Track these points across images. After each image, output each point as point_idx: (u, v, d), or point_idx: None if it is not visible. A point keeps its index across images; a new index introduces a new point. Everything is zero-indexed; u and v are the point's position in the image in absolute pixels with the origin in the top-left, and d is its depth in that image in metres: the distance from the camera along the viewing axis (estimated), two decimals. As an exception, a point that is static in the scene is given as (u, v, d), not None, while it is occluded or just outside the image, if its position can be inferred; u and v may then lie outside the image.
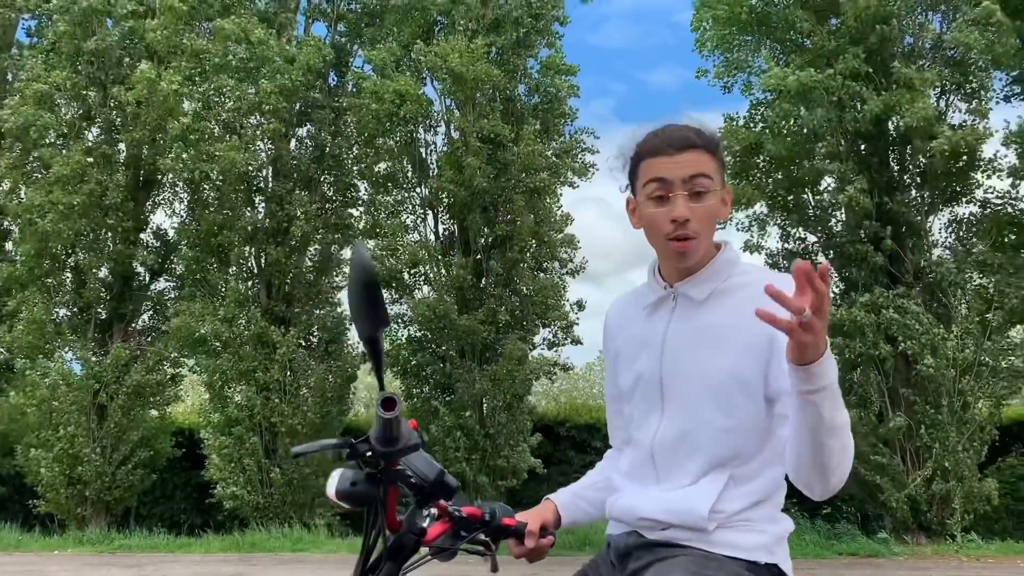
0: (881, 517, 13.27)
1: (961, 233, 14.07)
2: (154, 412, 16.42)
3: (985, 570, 9.79)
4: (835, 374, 1.42)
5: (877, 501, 12.66)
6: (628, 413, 1.77)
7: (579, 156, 15.50)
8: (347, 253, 16.13)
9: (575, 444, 17.22)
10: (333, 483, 1.42)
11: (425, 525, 1.50)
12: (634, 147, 1.73)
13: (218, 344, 14.33)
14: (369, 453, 1.40)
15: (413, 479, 1.43)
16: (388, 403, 1.33)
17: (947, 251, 13.90)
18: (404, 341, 14.90)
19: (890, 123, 13.47)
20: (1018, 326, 13.65)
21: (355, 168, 15.94)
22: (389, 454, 1.39)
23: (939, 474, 11.98)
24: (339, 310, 15.88)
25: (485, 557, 1.60)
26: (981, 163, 13.63)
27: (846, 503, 14.60)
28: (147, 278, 16.93)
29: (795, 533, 9.77)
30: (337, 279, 16.16)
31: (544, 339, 15.07)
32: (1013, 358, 12.82)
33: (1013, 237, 13.76)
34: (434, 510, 1.53)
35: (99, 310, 16.17)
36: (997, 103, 14.93)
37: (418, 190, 15.44)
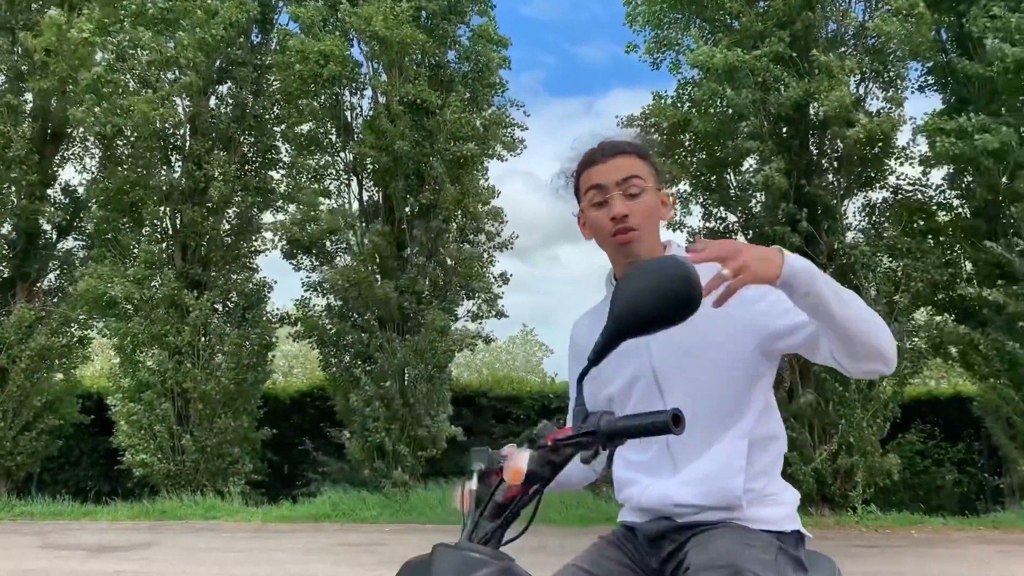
0: (788, 490, 13.70)
1: (874, 217, 14.55)
2: (60, 376, 15.87)
3: (882, 539, 10.26)
4: (809, 266, 1.51)
5: (785, 474, 13.06)
6: (619, 392, 1.84)
7: (508, 131, 15.37)
8: (267, 217, 15.78)
9: (496, 414, 17.36)
10: (523, 462, 1.37)
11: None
12: (573, 166, 1.90)
13: (129, 307, 13.87)
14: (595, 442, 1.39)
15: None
16: (678, 420, 1.34)
17: (859, 235, 14.36)
18: (323, 310, 14.68)
19: (811, 108, 13.78)
20: (922, 308, 14.24)
21: (277, 129, 15.52)
22: (610, 448, 1.40)
23: (844, 449, 12.44)
24: (258, 276, 15.55)
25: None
26: (895, 151, 14.09)
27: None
28: (54, 236, 16.27)
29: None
30: (256, 243, 15.78)
31: (468, 311, 15.04)
32: (916, 339, 13.37)
33: (921, 223, 14.30)
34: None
35: (1, 268, 15.49)
36: (912, 93, 15.48)
37: (342, 155, 15.14)
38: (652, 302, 1.36)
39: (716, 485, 1.72)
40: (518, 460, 1.38)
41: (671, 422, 1.33)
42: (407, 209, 14.57)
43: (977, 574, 7.50)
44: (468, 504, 1.46)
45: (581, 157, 1.89)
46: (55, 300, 15.82)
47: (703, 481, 1.73)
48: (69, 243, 16.52)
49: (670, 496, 1.75)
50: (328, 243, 14.55)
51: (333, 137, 15.09)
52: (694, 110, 14.37)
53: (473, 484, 1.48)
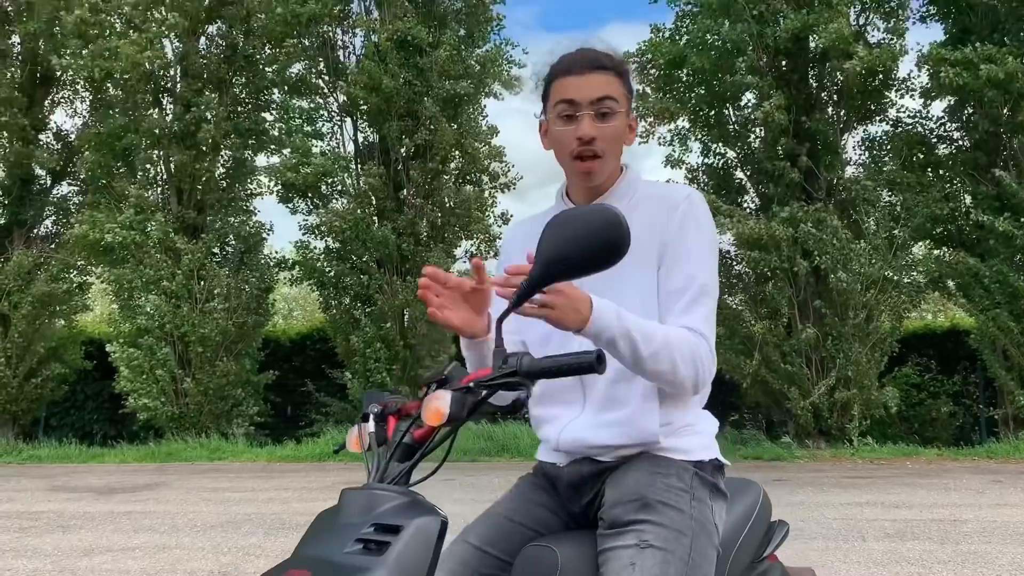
0: (785, 423, 13.87)
1: (873, 151, 14.43)
2: (61, 322, 15.93)
3: (876, 471, 10.41)
4: (611, 327, 1.52)
5: (783, 408, 13.21)
6: (542, 334, 1.76)
7: (505, 69, 15.15)
8: (261, 160, 15.64)
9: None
10: (445, 404, 1.36)
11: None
12: (547, 68, 1.79)
13: (124, 252, 13.84)
14: (520, 383, 1.38)
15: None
16: (601, 360, 1.34)
17: (859, 169, 14.26)
18: (322, 252, 14.65)
19: (810, 40, 13.55)
20: (920, 243, 14.22)
21: (269, 70, 15.29)
22: (528, 386, 1.39)
23: (841, 383, 12.54)
24: (255, 218, 15.49)
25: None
26: (895, 83, 13.90)
27: (751, 411, 15.24)
28: (48, 181, 16.17)
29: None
30: (252, 186, 15.68)
31: (467, 251, 15.02)
32: (915, 274, 13.38)
33: (921, 156, 14.18)
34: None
35: (-4, 214, 15.45)
36: (913, 23, 15.18)
37: (335, 96, 14.95)
38: (582, 248, 1.36)
39: (632, 425, 1.69)
40: (439, 401, 1.37)
41: (595, 362, 1.33)
42: (402, 150, 14.44)
43: (971, 503, 7.63)
44: (366, 445, 1.45)
45: (557, 60, 1.78)
46: (52, 246, 15.79)
47: (620, 423, 1.70)
48: (64, 189, 16.45)
49: (586, 439, 1.72)
50: (323, 186, 14.45)
51: (325, 79, 14.88)
52: (691, 45, 14.12)
53: (370, 426, 1.47)
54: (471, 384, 1.40)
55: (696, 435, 1.74)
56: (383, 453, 1.42)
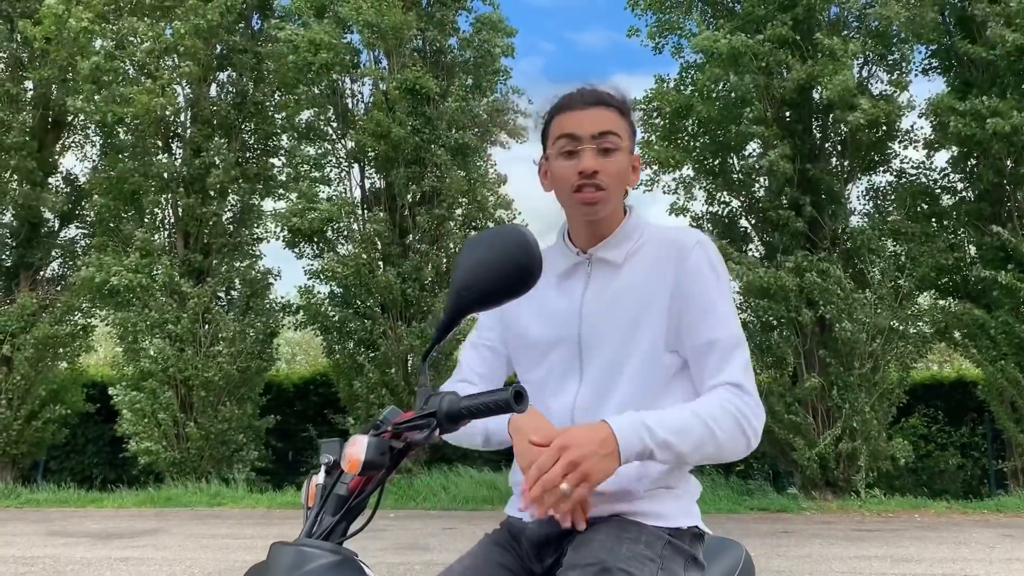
0: (791, 474, 13.72)
1: (878, 201, 14.50)
2: (64, 365, 15.92)
3: (884, 523, 10.27)
4: (640, 434, 1.46)
5: (788, 459, 13.08)
6: (538, 379, 1.72)
7: (512, 118, 15.36)
8: (268, 205, 15.76)
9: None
10: (360, 450, 1.31)
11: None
12: (549, 110, 1.75)
13: (130, 295, 13.89)
14: (436, 426, 1.34)
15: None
16: (521, 399, 1.29)
17: (864, 218, 14.31)
18: (326, 297, 14.69)
19: (814, 92, 13.70)
20: (926, 293, 14.20)
21: (278, 117, 15.48)
22: (448, 431, 1.36)
23: (847, 433, 12.43)
24: (260, 263, 15.56)
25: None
26: (899, 133, 14.03)
27: (759, 460, 15.08)
28: (56, 224, 16.28)
29: (710, 489, 9.97)
30: (258, 231, 15.78)
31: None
32: (921, 324, 13.34)
33: (925, 206, 14.24)
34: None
35: (3, 257, 15.50)
36: (916, 76, 15.37)
37: (342, 142, 15.13)
38: (492, 274, 1.32)
39: (606, 486, 1.56)
40: (354, 449, 1.32)
41: (512, 400, 1.27)
42: (408, 196, 14.54)
43: (981, 558, 7.51)
44: (316, 498, 1.37)
45: (559, 98, 1.73)
46: (58, 288, 15.85)
47: None
48: (71, 231, 16.55)
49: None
50: (329, 231, 14.54)
51: (333, 125, 15.07)
52: (697, 95, 14.29)
53: (320, 477, 1.38)
54: (391, 428, 1.34)
55: (674, 499, 1.64)
56: (318, 506, 1.35)
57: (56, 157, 16.13)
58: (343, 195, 14.93)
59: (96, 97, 13.57)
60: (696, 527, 1.66)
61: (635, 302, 1.64)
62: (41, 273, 16.04)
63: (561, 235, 1.79)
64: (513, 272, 1.31)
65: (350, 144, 14.91)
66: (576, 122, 1.67)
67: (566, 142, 1.67)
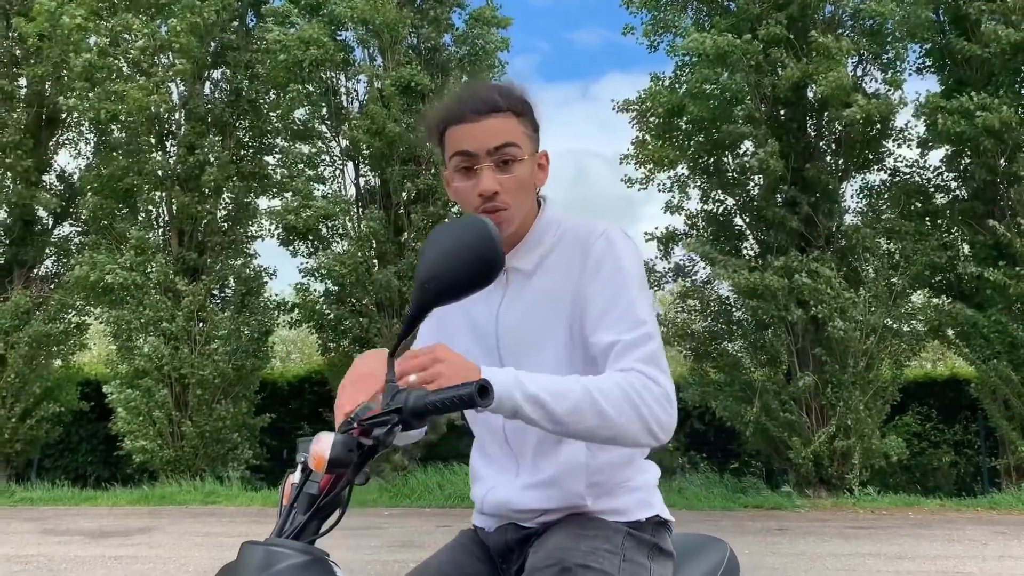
0: (785, 472, 13.75)
1: (872, 200, 14.52)
2: (58, 363, 15.88)
3: (878, 521, 10.28)
4: (511, 392, 1.37)
5: (783, 456, 13.11)
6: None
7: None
8: (263, 203, 15.74)
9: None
10: (326, 448, 1.29)
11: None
12: (437, 118, 1.63)
13: (124, 293, 13.85)
14: (399, 423, 1.32)
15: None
16: (486, 392, 1.27)
17: (858, 217, 14.32)
18: (322, 295, 14.66)
19: (808, 90, 13.71)
20: (919, 291, 14.23)
21: (273, 114, 15.45)
22: (416, 426, 1.34)
23: (841, 431, 12.46)
24: (255, 262, 15.53)
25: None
26: (892, 132, 14.05)
27: (752, 458, 15.11)
28: (50, 222, 16.24)
29: (704, 486, 9.92)
30: (253, 229, 15.75)
31: (468, 295, 15.01)
32: (915, 322, 13.36)
33: (919, 205, 14.26)
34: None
35: (-4, 254, 15.47)
36: (910, 74, 15.38)
37: (337, 140, 15.11)
38: (455, 266, 1.30)
39: (558, 488, 1.56)
40: (319, 446, 1.30)
41: (476, 394, 1.25)
42: (404, 194, 14.52)
43: (975, 555, 7.52)
44: (288, 497, 1.34)
45: (446, 103, 1.62)
46: (51, 286, 15.80)
47: (545, 484, 1.57)
48: (65, 229, 16.51)
49: (511, 501, 1.61)
50: (324, 228, 14.52)
51: (328, 123, 15.04)
52: (690, 93, 14.29)
53: (296, 476, 1.35)
54: (356, 424, 1.32)
55: (630, 492, 1.60)
56: (289, 505, 1.33)
57: (50, 155, 16.08)
58: (337, 193, 14.90)
59: (90, 94, 13.53)
60: (657, 516, 1.61)
61: (546, 311, 1.58)
62: (35, 271, 16.00)
63: None
64: (476, 263, 1.29)
65: (344, 142, 14.88)
66: (470, 137, 1.56)
67: (461, 159, 1.58)
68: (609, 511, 1.58)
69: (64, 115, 15.55)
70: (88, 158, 15.95)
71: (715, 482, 13.09)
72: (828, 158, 14.16)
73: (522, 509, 1.60)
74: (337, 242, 14.68)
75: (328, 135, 15.26)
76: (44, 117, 15.79)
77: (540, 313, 1.58)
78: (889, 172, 14.52)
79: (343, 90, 15.31)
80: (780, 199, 13.54)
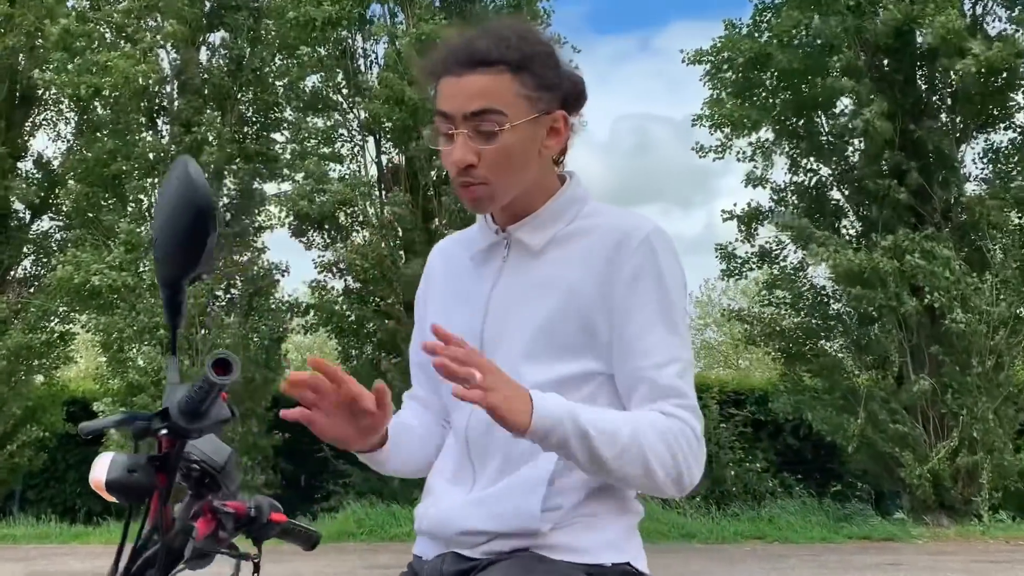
0: (898, 495, 13.57)
1: (998, 165, 14.21)
2: (40, 378, 16.20)
3: (1016, 553, 10.09)
4: (561, 426, 1.38)
5: (894, 476, 12.92)
6: (444, 396, 1.64)
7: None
8: (271, 188, 15.90)
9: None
10: (102, 470, 1.29)
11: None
12: (429, 67, 1.60)
13: (114, 296, 14.09)
14: (165, 431, 1.28)
15: (197, 464, 1.34)
16: (223, 366, 1.21)
17: (982, 185, 14.04)
18: (341, 294, 14.77)
19: (916, 35, 13.48)
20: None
21: (280, 84, 15.56)
22: (194, 431, 1.29)
23: (966, 445, 12.25)
24: (264, 257, 15.70)
25: (248, 560, 1.48)
26: (1022, 82, 13.73)
27: (858, 479, 14.91)
28: (27, 217, 16.55)
29: (801, 513, 9.85)
30: (260, 218, 15.93)
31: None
32: (1053, 311, 13.09)
33: (1058, 169, 13.96)
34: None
35: (-34, 254, 15.81)
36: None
37: (355, 112, 15.19)
38: (170, 220, 1.25)
39: (510, 503, 1.51)
40: (95, 468, 1.30)
41: (212, 371, 1.20)
42: (432, 173, 14.56)
43: None
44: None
45: (437, 58, 1.58)
46: (31, 290, 16.12)
47: (497, 499, 1.53)
48: (45, 224, 16.81)
49: (453, 520, 1.56)
50: (342, 216, 14.61)
51: (344, 92, 15.12)
52: (775, 41, 14.12)
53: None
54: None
55: (596, 530, 1.53)
56: None
57: (25, 138, 16.40)
58: (357, 174, 14.99)
59: (69, 66, 13.76)
60: (627, 565, 1.54)
61: (550, 301, 1.55)
62: (11, 273, 16.33)
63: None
64: (184, 210, 1.24)
65: (363, 114, 14.96)
66: (449, 95, 1.53)
67: (439, 121, 1.55)
68: (567, 547, 1.51)
69: (40, 92, 15.82)
70: (69, 141, 16.25)
71: (813, 509, 12.96)
72: (943, 116, 13.90)
73: (465, 530, 1.54)
74: (357, 231, 14.77)
75: (345, 106, 15.35)
76: (17, 95, 16.10)
77: (541, 302, 1.55)
78: (1019, 131, 14.20)
79: (360, 52, 15.39)
80: (885, 167, 13.31)
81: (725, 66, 14.85)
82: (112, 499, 1.31)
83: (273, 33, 15.20)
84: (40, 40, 14.71)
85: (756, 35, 14.65)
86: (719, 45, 14.70)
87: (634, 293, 1.51)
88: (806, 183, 14.73)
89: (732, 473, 14.48)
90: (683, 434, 1.45)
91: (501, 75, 1.51)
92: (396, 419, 1.66)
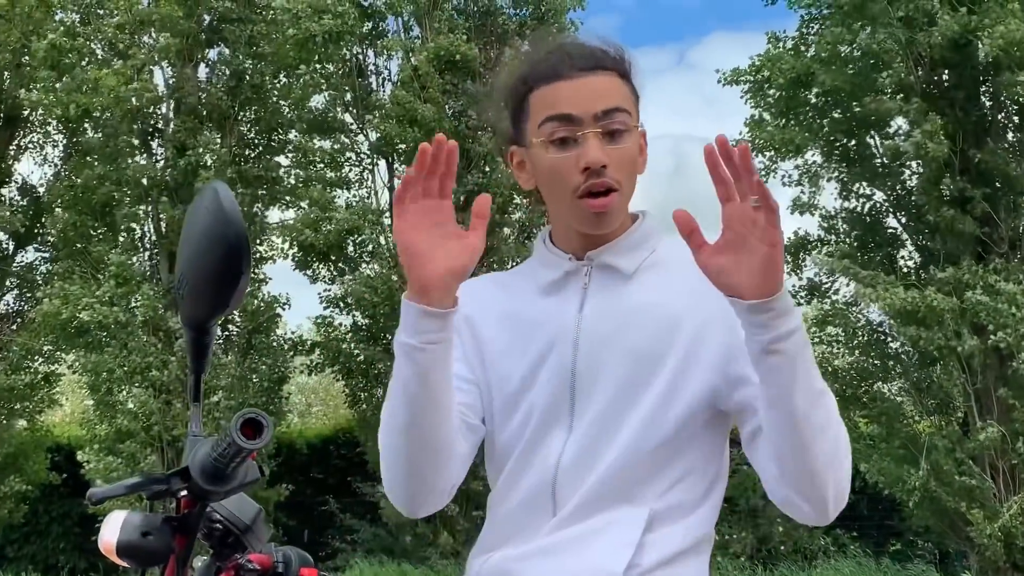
0: (965, 555, 13.38)
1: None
2: (23, 424, 16.24)
3: (1098, 623, 9.86)
4: (799, 316, 1.38)
5: (960, 534, 12.75)
6: (514, 428, 1.60)
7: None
8: (273, 215, 15.96)
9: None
10: (113, 531, 1.28)
11: None
12: (518, 77, 1.63)
13: (103, 333, 14.13)
14: (184, 492, 1.28)
15: (220, 524, 1.34)
16: (254, 428, 1.19)
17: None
18: (349, 331, 14.76)
19: (978, 47, 13.42)
20: None
21: (284, 103, 15.66)
22: (217, 495, 1.28)
23: (1042, 500, 12.10)
24: (265, 289, 15.73)
25: None
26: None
27: (920, 537, 14.71)
28: (11, 247, 16.66)
29: (857, 574, 9.68)
30: (261, 248, 15.97)
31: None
32: None
33: None
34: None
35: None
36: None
37: (365, 133, 15.26)
38: (198, 253, 1.26)
39: (586, 560, 1.47)
40: (105, 530, 1.30)
41: (240, 434, 1.18)
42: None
43: None
44: None
45: (532, 62, 1.63)
46: (14, 327, 16.20)
47: (572, 546, 1.50)
48: (29, 255, 16.92)
49: (512, 572, 1.53)
50: (350, 246, 14.63)
51: (352, 112, 15.21)
52: (822, 55, 14.07)
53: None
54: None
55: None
56: None
57: (10, 163, 16.55)
58: (366, 201, 15.03)
59: (57, 85, 13.90)
60: None
61: (650, 325, 1.54)
62: (-6, 308, 16.44)
63: (542, 239, 1.69)
64: (217, 241, 1.24)
65: (374, 135, 15.02)
66: (571, 97, 1.55)
67: (557, 126, 1.55)
68: None
69: (26, 113, 15.99)
70: (56, 165, 16.39)
71: (870, 570, 12.82)
72: (1009, 135, 13.81)
73: None
74: (366, 263, 14.78)
75: (354, 127, 15.42)
76: (2, 116, 16.28)
77: (646, 328, 1.54)
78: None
79: (372, 70, 15.48)
80: (947, 192, 13.21)
81: (767, 84, 14.82)
82: (123, 564, 1.30)
83: (274, 50, 15.30)
84: (26, 57, 14.88)
85: (803, 48, 14.62)
86: (757, 64, 14.67)
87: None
88: (859, 210, 14.63)
89: (780, 529, 14.28)
90: (847, 446, 1.44)
91: (617, 79, 1.59)
92: None
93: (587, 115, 1.54)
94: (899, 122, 13.98)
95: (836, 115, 14.58)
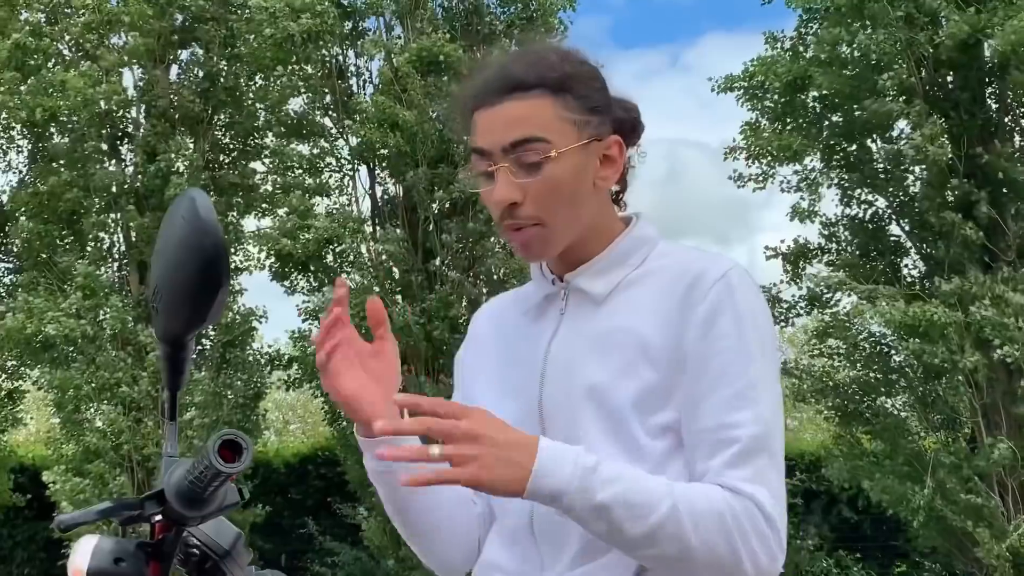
0: (973, 576, 13.41)
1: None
2: (-15, 443, 16.18)
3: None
4: (577, 490, 1.34)
5: (968, 555, 12.77)
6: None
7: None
8: (249, 223, 15.94)
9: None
10: (84, 557, 1.27)
11: None
12: (462, 100, 1.61)
13: (70, 348, 14.07)
14: (159, 517, 1.28)
15: (197, 549, 1.34)
16: (232, 449, 1.20)
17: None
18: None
19: (985, 47, 13.50)
20: None
21: (260, 106, 15.65)
22: (194, 519, 1.28)
23: (1053, 519, 12.13)
24: (241, 301, 15.70)
25: None
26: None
27: (926, 558, 14.73)
28: (-28, 259, 16.63)
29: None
30: (237, 258, 15.95)
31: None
32: None
33: None
34: None
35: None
36: None
37: (346, 138, 15.27)
38: (175, 264, 1.25)
39: None
40: (75, 557, 1.28)
41: (217, 457, 1.18)
42: (434, 207, 14.58)
43: None
44: None
45: (471, 89, 1.59)
46: (-25, 343, 16.15)
47: None
48: (-8, 267, 16.87)
49: None
50: (329, 255, 14.62)
51: (332, 115, 15.21)
52: (820, 58, 14.13)
53: None
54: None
55: None
56: None
57: (-30, 170, 16.51)
58: (346, 208, 15.03)
59: (21, 87, 13.87)
60: None
61: (615, 355, 1.51)
62: (-46, 323, 16.37)
63: (538, 264, 1.67)
64: (193, 251, 1.23)
65: (355, 140, 15.02)
66: (486, 128, 1.52)
67: (477, 159, 1.54)
68: None
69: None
70: (20, 172, 16.33)
71: (876, 593, 12.81)
72: (1017, 139, 13.89)
73: None
74: (347, 273, 14.77)
75: (333, 131, 15.43)
76: (-38, 121, 16.26)
77: (605, 357, 1.51)
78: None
79: (352, 71, 15.48)
80: (951, 198, 13.27)
81: (764, 87, 14.85)
82: None
83: (250, 51, 15.31)
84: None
85: (801, 49, 14.68)
86: (753, 67, 14.71)
87: (708, 338, 1.46)
88: (861, 217, 14.69)
89: (780, 552, 14.30)
90: (750, 517, 1.38)
91: (540, 99, 1.51)
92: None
93: (496, 148, 1.51)
94: (901, 126, 14.06)
95: (836, 118, 14.64)
